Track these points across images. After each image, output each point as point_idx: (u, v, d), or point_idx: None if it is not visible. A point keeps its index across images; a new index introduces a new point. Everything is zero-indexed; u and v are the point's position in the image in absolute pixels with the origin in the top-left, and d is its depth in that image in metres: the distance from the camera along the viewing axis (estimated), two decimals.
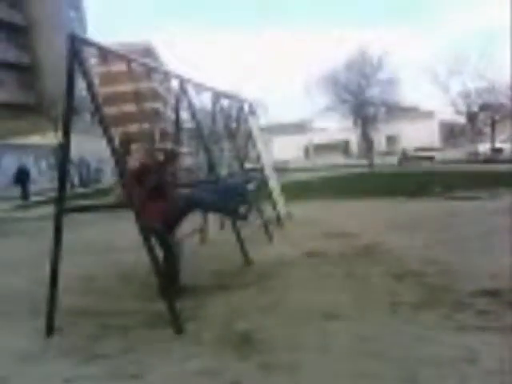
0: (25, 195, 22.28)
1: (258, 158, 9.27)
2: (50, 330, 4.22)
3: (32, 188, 23.19)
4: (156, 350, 3.67)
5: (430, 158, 33.46)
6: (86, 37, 4.13)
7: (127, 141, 5.36)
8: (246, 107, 9.33)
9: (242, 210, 5.21)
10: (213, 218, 8.09)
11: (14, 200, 21.90)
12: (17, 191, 22.86)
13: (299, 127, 72.65)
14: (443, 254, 5.92)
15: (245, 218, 5.29)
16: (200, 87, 6.82)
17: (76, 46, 4.01)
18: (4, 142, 33.98)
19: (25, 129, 36.03)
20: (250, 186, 5.67)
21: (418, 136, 58.71)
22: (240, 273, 5.78)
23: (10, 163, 31.07)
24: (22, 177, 22.63)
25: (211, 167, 6.82)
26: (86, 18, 52.07)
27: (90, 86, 4.13)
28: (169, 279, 4.90)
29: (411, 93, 48.87)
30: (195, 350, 3.63)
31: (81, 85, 4.39)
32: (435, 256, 5.82)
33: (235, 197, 5.16)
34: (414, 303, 4.25)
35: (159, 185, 5.09)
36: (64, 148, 4.31)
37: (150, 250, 4.08)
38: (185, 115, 11.64)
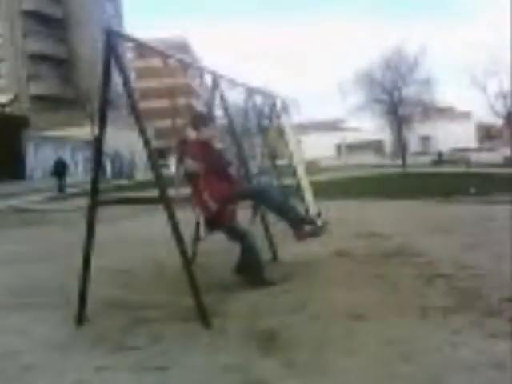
0: (61, 188, 22.76)
1: (290, 156, 9.23)
2: (80, 319, 4.31)
3: (68, 180, 23.68)
4: (184, 344, 3.71)
5: (466, 160, 32.72)
6: (122, 31, 4.17)
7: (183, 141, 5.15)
8: (279, 104, 9.30)
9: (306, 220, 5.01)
10: (243, 211, 8.10)
11: (50, 192, 22.42)
12: (53, 183, 23.37)
13: (331, 126, 72.21)
14: (476, 258, 5.78)
15: (314, 233, 5.03)
16: (233, 83, 6.83)
17: (112, 40, 4.06)
18: (41, 134, 34.88)
19: (61, 122, 36.90)
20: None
21: (453, 137, 57.59)
22: (267, 270, 5.77)
23: (47, 155, 31.86)
24: (59, 169, 23.10)
25: (242, 163, 6.84)
26: (122, 11, 52.83)
27: (125, 80, 4.18)
28: (252, 271, 5.00)
29: (448, 93, 47.81)
30: (221, 344, 3.65)
31: (117, 79, 4.47)
32: (468, 260, 5.70)
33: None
34: (444, 307, 4.17)
35: (225, 164, 5.00)
36: (98, 141, 4.38)
37: (179, 241, 4.11)
38: (217, 111, 11.69)
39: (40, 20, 42.87)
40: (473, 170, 25.22)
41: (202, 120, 5.02)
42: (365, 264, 5.86)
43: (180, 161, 4.73)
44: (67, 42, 44.83)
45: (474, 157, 34.85)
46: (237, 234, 5.04)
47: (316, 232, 5.08)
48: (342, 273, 5.53)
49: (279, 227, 7.11)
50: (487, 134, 66.16)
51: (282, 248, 6.49)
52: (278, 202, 4.95)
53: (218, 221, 4.86)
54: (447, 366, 3.10)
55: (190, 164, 4.65)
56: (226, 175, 4.98)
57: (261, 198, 5.11)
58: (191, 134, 4.84)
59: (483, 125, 63.16)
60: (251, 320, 4.12)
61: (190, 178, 4.77)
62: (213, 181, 4.70)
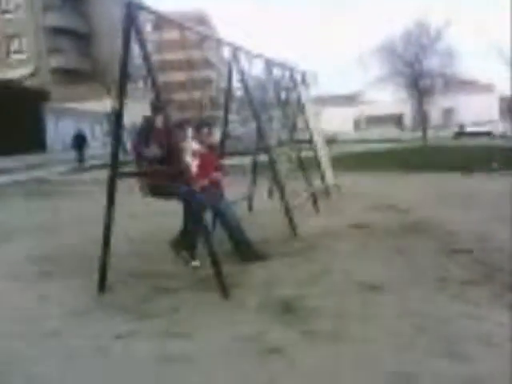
0: (81, 159, 23.10)
1: (309, 129, 9.18)
2: (101, 288, 4.41)
3: (87, 153, 23.92)
4: (203, 313, 3.77)
5: (488, 133, 32.11)
6: (142, 3, 4.15)
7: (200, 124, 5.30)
8: (298, 77, 9.20)
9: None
10: (261, 185, 8.13)
11: (71, 163, 22.71)
12: (73, 155, 23.66)
13: (350, 99, 71.10)
14: (497, 231, 5.73)
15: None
16: (251, 55, 6.77)
17: (132, 11, 4.04)
18: (61, 107, 35.10)
19: (81, 94, 37.03)
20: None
21: (475, 110, 56.43)
22: (285, 242, 5.82)
23: (67, 128, 32.11)
24: (79, 142, 23.38)
25: (261, 136, 6.82)
26: None
27: (144, 52, 4.17)
28: (239, 247, 5.09)
29: (472, 66, 46.56)
30: (240, 314, 3.71)
31: (135, 51, 4.46)
32: (489, 233, 5.66)
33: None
34: (463, 280, 4.17)
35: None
36: (117, 114, 4.40)
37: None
38: (236, 83, 11.62)
39: None
40: (496, 142, 24.76)
41: (157, 108, 4.94)
42: (382, 237, 5.85)
43: (146, 145, 4.76)
44: (87, 16, 44.73)
45: (498, 129, 34.17)
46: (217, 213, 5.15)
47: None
48: (360, 245, 5.53)
49: (296, 200, 7.13)
50: (511, 107, 64.62)
51: (300, 221, 6.49)
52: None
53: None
54: (466, 338, 3.11)
55: (152, 149, 4.71)
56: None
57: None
58: (158, 121, 4.83)
59: (507, 97, 61.65)
60: (269, 291, 4.17)
61: (150, 162, 4.81)
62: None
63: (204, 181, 5.03)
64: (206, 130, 5.36)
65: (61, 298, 4.34)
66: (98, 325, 3.69)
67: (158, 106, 4.70)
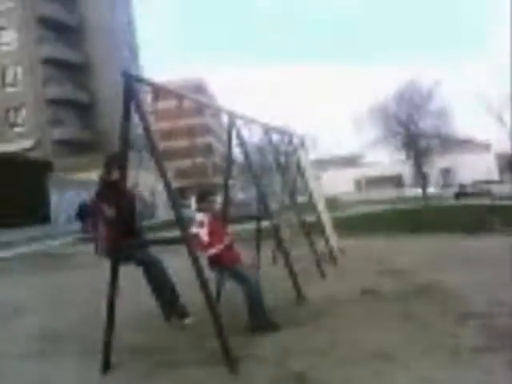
0: (86, 230, 23.05)
1: (310, 193, 9.19)
2: (106, 366, 4.25)
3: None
4: None
5: (488, 193, 32.21)
6: (139, 75, 4.25)
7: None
8: (296, 141, 9.33)
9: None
10: (265, 252, 8.03)
11: (74, 235, 22.63)
12: (78, 226, 23.62)
13: (349, 161, 72.18)
14: (507, 295, 5.58)
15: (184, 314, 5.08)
16: (250, 122, 6.88)
17: (130, 83, 4.14)
18: (65, 178, 35.51)
19: (84, 165, 37.60)
20: None
21: (474, 169, 57.00)
22: (292, 310, 5.66)
23: (71, 199, 32.31)
24: (82, 213, 23.39)
25: (262, 202, 6.81)
26: (139, 56, 54.41)
27: (144, 123, 4.23)
28: (254, 313, 4.94)
29: (466, 124, 47.64)
30: None
31: (136, 121, 4.52)
32: (498, 297, 5.52)
33: None
34: (475, 346, 4.02)
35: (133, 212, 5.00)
36: (120, 183, 4.39)
37: (204, 284, 4.05)
38: (236, 150, 11.78)
39: (62, 67, 44.43)
40: (497, 202, 24.78)
41: (113, 161, 4.94)
42: (391, 302, 5.71)
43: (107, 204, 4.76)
44: (87, 87, 46.19)
45: (497, 189, 34.33)
46: (239, 279, 5.03)
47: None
48: (368, 311, 5.39)
49: (301, 265, 7.02)
50: (509, 165, 65.32)
51: (306, 287, 6.35)
52: (161, 280, 4.99)
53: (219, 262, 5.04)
54: None
55: (107, 210, 4.70)
56: (131, 226, 4.94)
57: (148, 269, 5.06)
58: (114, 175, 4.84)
59: (503, 155, 62.53)
60: (278, 363, 3.99)
61: (106, 222, 4.78)
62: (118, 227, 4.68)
63: (220, 245, 4.98)
64: (211, 198, 5.31)
65: (64, 380, 4.18)
66: None
67: (110, 161, 4.75)
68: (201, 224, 5.02)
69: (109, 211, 4.70)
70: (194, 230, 4.94)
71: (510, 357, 3.71)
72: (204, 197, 5.28)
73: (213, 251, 4.92)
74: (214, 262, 5.04)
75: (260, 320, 4.94)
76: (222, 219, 5.77)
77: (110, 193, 4.74)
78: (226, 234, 5.31)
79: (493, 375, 3.41)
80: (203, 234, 4.95)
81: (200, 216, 5.08)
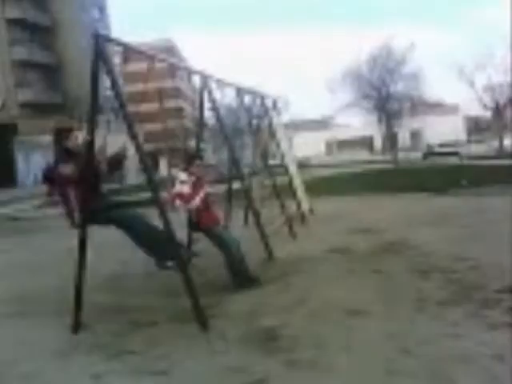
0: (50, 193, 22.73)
1: (281, 155, 9.24)
2: (77, 326, 4.27)
3: None
4: (182, 347, 3.69)
5: (456, 153, 32.86)
6: (109, 35, 4.14)
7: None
8: (269, 103, 9.30)
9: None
10: (236, 213, 8.09)
11: (43, 198, 22.27)
12: (44, 189, 23.25)
13: (321, 123, 72.07)
14: (471, 250, 5.80)
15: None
16: (222, 83, 6.82)
17: (100, 44, 4.03)
18: (30, 140, 34.64)
19: (51, 128, 36.56)
20: None
21: (442, 131, 57.74)
22: (263, 269, 5.77)
23: (38, 162, 31.64)
24: (48, 175, 23.02)
25: (234, 163, 6.82)
26: (108, 17, 52.70)
27: (114, 84, 4.16)
28: (237, 272, 5.10)
29: (436, 88, 48.10)
30: (221, 346, 3.63)
31: (105, 84, 4.43)
32: (462, 252, 5.72)
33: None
34: (441, 300, 4.18)
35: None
36: (89, 146, 4.34)
37: (171, 239, 4.11)
38: (208, 112, 11.65)
39: (28, 29, 42.80)
40: (464, 162, 25.35)
41: (63, 132, 4.95)
42: (359, 260, 5.87)
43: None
44: (55, 49, 44.64)
45: (464, 150, 35.03)
46: (218, 240, 5.16)
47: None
48: (338, 269, 5.53)
49: (272, 227, 7.12)
50: (475, 127, 66.41)
51: (277, 247, 6.47)
52: (141, 232, 4.97)
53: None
54: (447, 359, 3.10)
55: (70, 166, 4.69)
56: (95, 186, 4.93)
57: (124, 226, 5.08)
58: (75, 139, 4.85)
59: (471, 117, 63.46)
60: (249, 320, 4.10)
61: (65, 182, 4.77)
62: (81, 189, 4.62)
63: (201, 194, 5.15)
64: (197, 162, 5.45)
65: (36, 339, 4.19)
66: (73, 365, 3.57)
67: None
68: (183, 182, 5.17)
69: (67, 169, 4.66)
70: (177, 187, 5.11)
71: (473, 309, 3.90)
72: (191, 160, 5.44)
73: (195, 202, 5.06)
74: (195, 224, 5.26)
75: (242, 277, 5.10)
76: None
77: (69, 157, 4.73)
78: (206, 195, 5.40)
79: (457, 327, 3.58)
80: (185, 189, 5.11)
81: (183, 176, 5.22)
